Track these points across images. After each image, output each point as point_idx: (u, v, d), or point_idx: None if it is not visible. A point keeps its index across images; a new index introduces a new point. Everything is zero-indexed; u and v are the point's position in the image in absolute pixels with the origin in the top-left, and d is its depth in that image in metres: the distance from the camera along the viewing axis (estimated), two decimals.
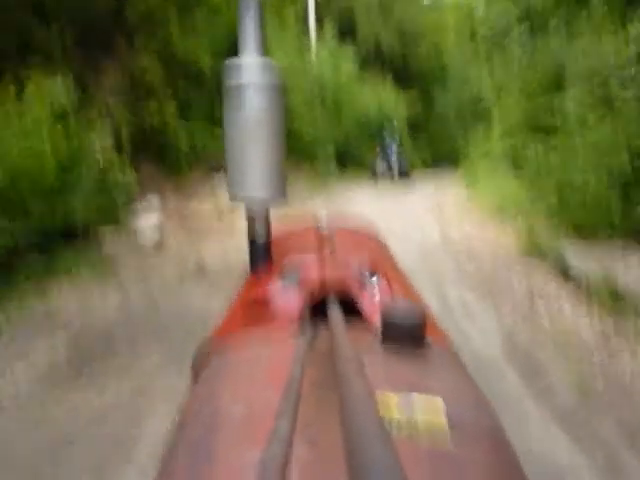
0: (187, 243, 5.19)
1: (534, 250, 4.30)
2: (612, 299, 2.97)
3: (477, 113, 11.58)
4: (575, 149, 4.51)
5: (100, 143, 5.02)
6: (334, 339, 0.59)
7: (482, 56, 10.22)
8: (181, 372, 1.02)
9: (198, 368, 0.74)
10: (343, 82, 13.73)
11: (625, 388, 2.22)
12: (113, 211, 5.25)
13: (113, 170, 5.15)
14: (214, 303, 3.19)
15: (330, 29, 14.32)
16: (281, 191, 1.04)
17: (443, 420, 0.49)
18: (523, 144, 6.27)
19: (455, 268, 4.34)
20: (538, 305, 3.23)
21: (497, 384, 2.23)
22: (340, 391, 0.43)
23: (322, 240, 1.16)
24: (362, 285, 0.89)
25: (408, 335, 0.63)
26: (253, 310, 0.86)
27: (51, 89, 4.51)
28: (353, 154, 13.83)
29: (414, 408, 0.50)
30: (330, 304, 0.75)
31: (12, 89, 4.22)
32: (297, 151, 9.76)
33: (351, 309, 0.78)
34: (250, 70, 0.98)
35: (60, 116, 4.58)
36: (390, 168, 12.49)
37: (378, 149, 12.75)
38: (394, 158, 12.49)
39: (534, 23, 6.48)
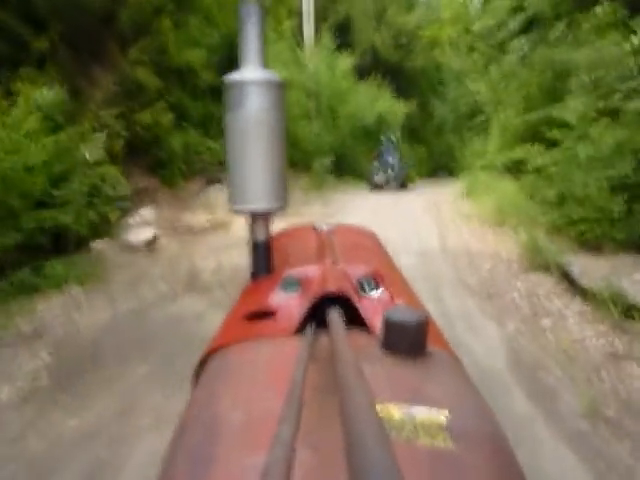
0: (183, 256, 5.07)
1: (538, 264, 4.19)
2: (623, 316, 2.86)
3: (475, 123, 11.54)
4: (578, 160, 4.42)
5: (93, 155, 4.90)
6: (334, 345, 0.57)
7: (480, 66, 10.20)
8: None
9: (199, 374, 0.74)
10: (341, 92, 13.72)
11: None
12: (106, 225, 5.13)
13: (106, 183, 5.04)
14: (207, 325, 3.11)
15: (327, 39, 14.34)
16: (282, 198, 1.05)
17: (444, 426, 0.49)
18: (524, 155, 6.19)
19: (458, 283, 4.22)
20: (545, 324, 3.11)
21: (505, 402, 2.11)
22: (341, 397, 0.42)
23: (323, 246, 1.17)
24: (363, 291, 0.89)
25: (409, 341, 0.63)
26: (254, 316, 0.85)
27: (42, 100, 4.41)
28: (350, 163, 13.78)
29: (415, 414, 0.51)
30: (331, 310, 0.74)
31: (2, 101, 4.12)
32: (293, 161, 9.68)
33: (352, 315, 0.77)
34: (251, 82, 0.99)
35: (52, 128, 4.49)
36: (389, 179, 12.40)
37: (376, 160, 12.65)
38: (392, 169, 12.41)
39: (535, 33, 6.43)
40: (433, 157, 19.49)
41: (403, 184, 12.49)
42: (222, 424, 0.53)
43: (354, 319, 0.77)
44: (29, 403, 2.35)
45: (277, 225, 1.19)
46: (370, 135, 14.58)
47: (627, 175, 3.97)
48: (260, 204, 1.03)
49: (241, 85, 0.99)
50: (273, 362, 0.67)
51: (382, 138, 13.24)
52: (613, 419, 2.02)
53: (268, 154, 1.01)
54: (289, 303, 0.87)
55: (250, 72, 1.00)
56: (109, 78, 6.11)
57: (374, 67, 16.51)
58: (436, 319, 0.93)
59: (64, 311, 3.55)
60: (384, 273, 0.99)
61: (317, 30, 14.61)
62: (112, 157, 5.45)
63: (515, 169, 7.25)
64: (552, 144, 5.55)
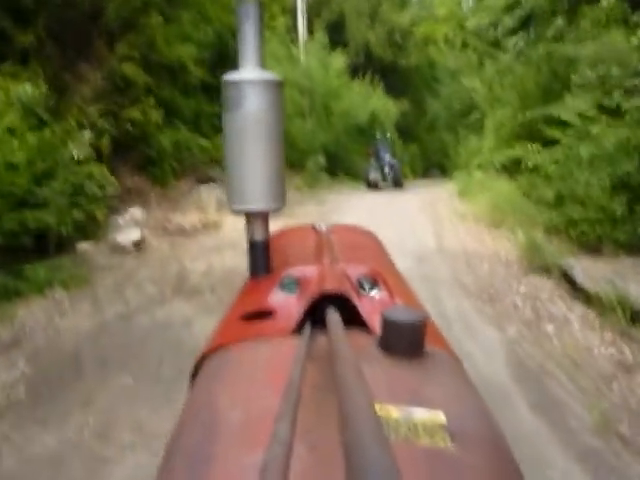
0: (173, 258, 4.91)
1: (538, 265, 4.08)
2: (630, 322, 2.74)
3: (470, 121, 11.45)
4: (579, 159, 4.31)
5: (79, 153, 4.73)
6: (333, 344, 0.56)
7: (475, 63, 10.10)
8: None
9: (196, 373, 0.74)
10: (334, 89, 13.59)
11: None
12: (93, 225, 4.97)
13: (93, 182, 4.87)
14: (196, 332, 2.97)
15: (321, 36, 14.20)
16: (281, 197, 1.06)
17: (443, 426, 0.49)
18: (520, 153, 6.08)
19: (455, 285, 4.10)
20: (549, 330, 2.99)
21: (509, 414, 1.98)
22: (339, 396, 0.41)
23: (322, 245, 1.17)
24: (361, 290, 0.89)
25: (408, 341, 0.63)
26: (252, 316, 0.85)
27: (24, 95, 4.23)
28: (344, 162, 13.65)
29: (414, 414, 0.50)
30: (329, 309, 0.73)
31: None
32: (286, 159, 9.54)
33: (351, 315, 0.76)
34: (250, 82, 0.99)
35: (35, 125, 4.32)
36: (385, 177, 12.30)
37: (372, 158, 12.53)
38: (388, 168, 12.30)
39: (532, 29, 6.33)
40: (426, 155, 19.38)
41: (398, 182, 12.39)
42: (220, 423, 0.53)
43: (353, 319, 0.76)
44: (3, 419, 2.20)
45: (270, 227, 1.14)
46: (363, 133, 14.44)
47: (630, 174, 3.86)
48: (258, 204, 1.03)
49: (239, 85, 0.99)
50: (271, 361, 0.67)
51: (378, 136, 13.09)
52: (627, 435, 1.90)
53: (267, 154, 1.01)
54: (287, 303, 0.86)
55: (249, 72, 1.00)
56: (96, 74, 5.93)
57: (367, 65, 16.35)
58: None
59: (46, 317, 3.40)
60: (383, 273, 0.98)
61: (310, 27, 14.47)
62: (100, 155, 5.29)
63: (511, 168, 7.15)
64: (549, 142, 5.45)
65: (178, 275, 4.32)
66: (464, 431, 0.50)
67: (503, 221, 5.88)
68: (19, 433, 2.08)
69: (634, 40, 3.83)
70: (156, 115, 6.28)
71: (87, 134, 4.98)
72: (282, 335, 0.74)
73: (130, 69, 5.98)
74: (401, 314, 0.63)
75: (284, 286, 0.92)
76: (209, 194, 6.76)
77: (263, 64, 1.02)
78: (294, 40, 13.74)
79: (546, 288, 3.71)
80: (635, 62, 3.80)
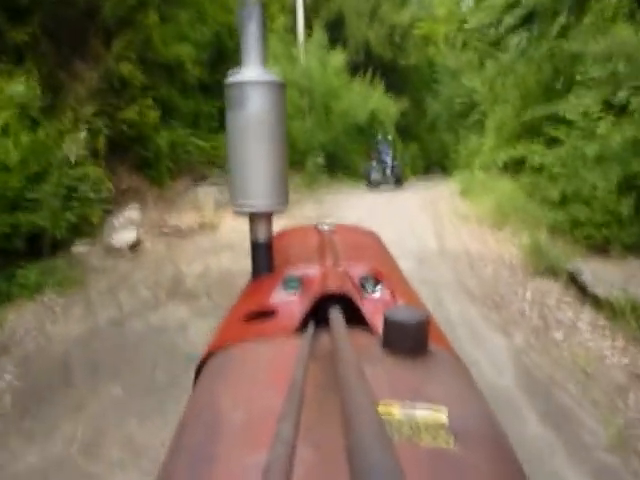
0: (169, 260, 4.81)
1: (544, 268, 3.97)
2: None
3: (470, 120, 11.36)
4: (584, 158, 4.20)
5: (74, 153, 4.63)
6: (335, 344, 0.56)
7: (475, 62, 10.01)
8: None
9: (200, 373, 0.74)
10: (333, 89, 13.48)
11: None
12: (88, 227, 4.87)
13: (88, 183, 4.77)
14: (191, 337, 2.87)
15: (320, 35, 14.10)
16: (284, 198, 1.06)
17: (445, 426, 0.49)
18: (524, 152, 5.98)
19: (459, 288, 4.00)
20: (556, 337, 2.89)
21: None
22: (342, 396, 0.40)
23: (324, 245, 1.17)
24: (364, 290, 0.89)
25: (410, 341, 0.63)
26: (254, 315, 0.84)
27: (16, 94, 4.13)
28: (343, 161, 13.56)
29: (416, 414, 0.50)
30: (331, 309, 0.73)
31: None
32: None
33: (353, 315, 0.76)
34: (253, 83, 0.99)
35: (28, 125, 4.22)
36: (386, 177, 12.27)
37: (373, 157, 12.48)
38: (390, 170, 12.27)
39: (535, 27, 6.22)
40: (426, 154, 19.32)
41: (399, 182, 12.38)
42: (223, 423, 0.53)
43: (355, 318, 0.76)
44: None
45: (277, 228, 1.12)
46: (363, 133, 14.35)
47: (637, 174, 3.76)
48: (262, 205, 1.03)
49: (242, 86, 0.99)
50: (274, 361, 0.67)
51: (379, 136, 13.02)
52: None
53: (269, 154, 1.01)
54: (290, 303, 0.86)
55: (251, 72, 1.00)
56: (92, 73, 5.83)
57: (367, 64, 16.24)
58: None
59: (37, 322, 3.29)
60: (385, 273, 0.98)
61: (310, 26, 14.36)
62: (95, 155, 5.19)
63: (513, 167, 7.05)
64: (552, 141, 5.35)
65: (173, 277, 4.23)
66: (467, 431, 0.49)
67: (506, 221, 5.77)
68: (2, 448, 1.98)
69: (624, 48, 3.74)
70: (153, 115, 6.17)
71: (82, 134, 4.88)
72: (285, 335, 0.74)
73: (126, 68, 5.87)
74: (403, 314, 0.64)
75: (287, 286, 0.92)
76: (206, 194, 6.66)
77: (266, 65, 1.03)
78: (293, 39, 13.64)
79: (553, 292, 3.60)
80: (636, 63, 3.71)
